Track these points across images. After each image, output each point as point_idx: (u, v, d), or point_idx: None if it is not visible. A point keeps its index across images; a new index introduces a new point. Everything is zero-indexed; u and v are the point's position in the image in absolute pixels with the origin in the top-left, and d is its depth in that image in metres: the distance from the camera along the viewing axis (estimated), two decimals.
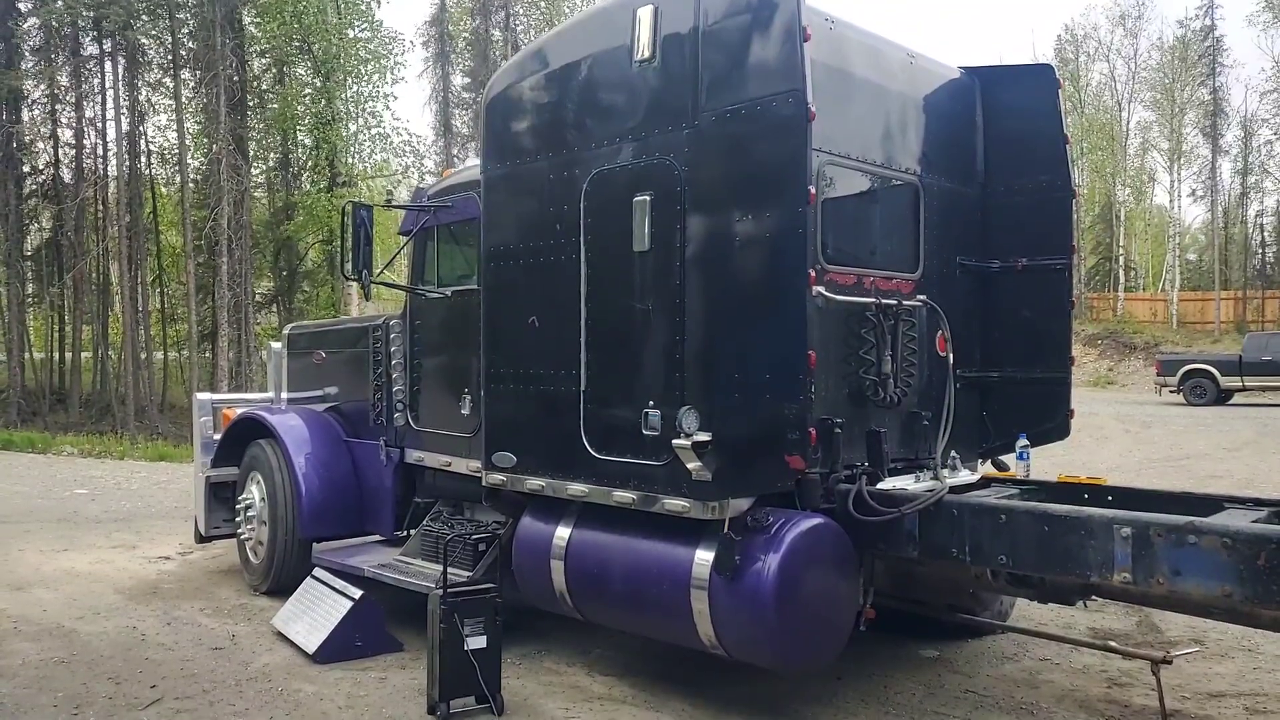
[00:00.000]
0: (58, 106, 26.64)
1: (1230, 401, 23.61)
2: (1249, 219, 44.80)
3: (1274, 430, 16.95)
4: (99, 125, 26.71)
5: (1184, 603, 4.15)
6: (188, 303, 25.84)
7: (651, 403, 4.53)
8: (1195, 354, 27.34)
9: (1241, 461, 13.81)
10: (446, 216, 6.11)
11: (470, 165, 6.32)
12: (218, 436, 7.51)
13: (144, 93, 26.58)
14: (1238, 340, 29.05)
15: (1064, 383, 5.29)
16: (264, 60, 27.50)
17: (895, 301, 4.82)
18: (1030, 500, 4.53)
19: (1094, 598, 4.68)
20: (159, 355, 29.14)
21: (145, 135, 26.85)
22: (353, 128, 26.89)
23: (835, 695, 4.82)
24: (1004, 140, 5.43)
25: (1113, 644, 5.09)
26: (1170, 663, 4.60)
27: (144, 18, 25.00)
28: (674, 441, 4.27)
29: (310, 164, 27.72)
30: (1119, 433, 17.56)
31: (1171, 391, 24.37)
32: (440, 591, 4.54)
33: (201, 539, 7.66)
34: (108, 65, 25.90)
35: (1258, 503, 4.38)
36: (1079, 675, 5.19)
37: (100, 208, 26.88)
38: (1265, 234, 45.06)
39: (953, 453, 5.03)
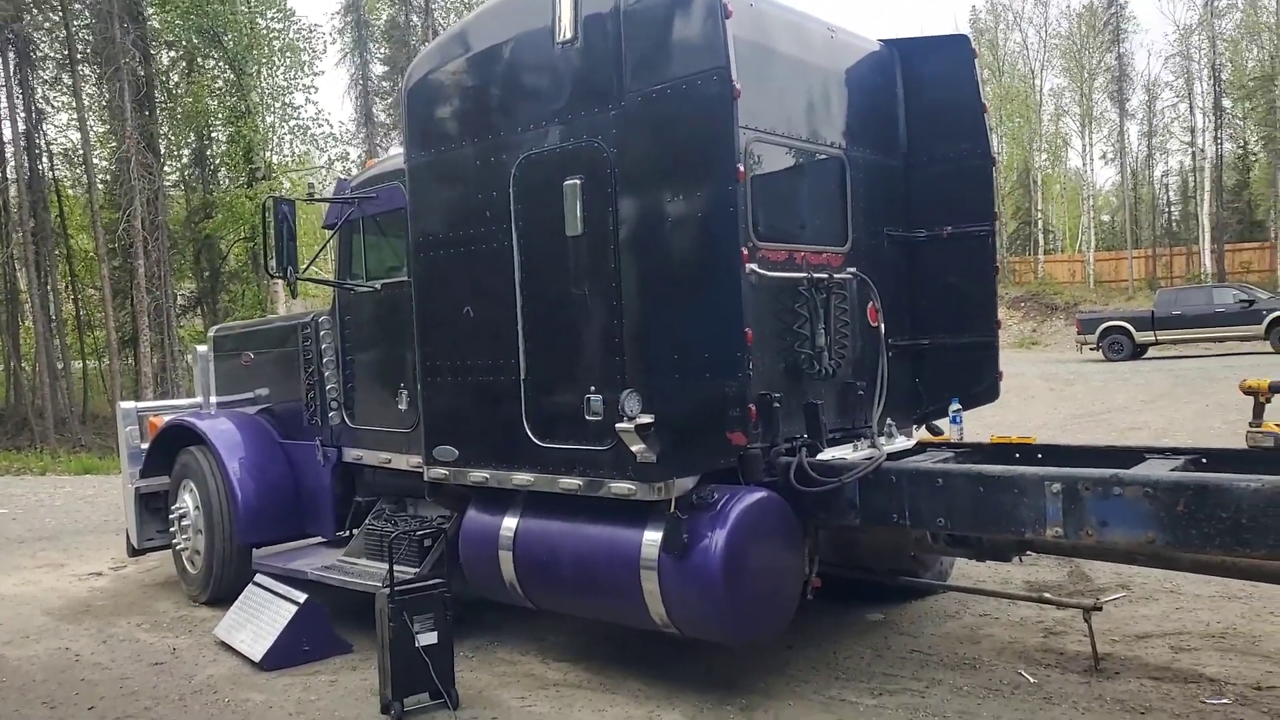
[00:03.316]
0: None
1: (1145, 355, 24.58)
2: (1155, 179, 46.74)
3: (1186, 381, 17.72)
4: None
5: (1111, 551, 4.34)
6: (104, 308, 24.82)
7: (593, 388, 4.52)
8: (1112, 311, 28.31)
9: (1158, 412, 14.43)
10: (371, 208, 5.98)
11: (393, 154, 6.18)
12: (145, 446, 7.26)
13: (40, 90, 25.31)
14: (1150, 296, 30.24)
15: (992, 346, 5.42)
16: (172, 53, 26.42)
17: (826, 275, 4.88)
18: (965, 463, 4.66)
19: (1029, 553, 4.85)
20: (77, 364, 27.99)
21: (44, 135, 25.62)
22: (270, 119, 26.10)
23: (787, 665, 4.91)
24: (924, 111, 5.51)
25: (1047, 595, 5.30)
26: (1100, 609, 4.82)
27: (35, 11, 23.75)
28: (617, 425, 4.28)
29: (227, 160, 26.80)
30: (1044, 391, 18.17)
31: (1091, 349, 25.18)
32: (388, 590, 4.48)
33: (135, 552, 7.42)
34: None
35: (1175, 451, 4.57)
36: (1017, 628, 5.39)
37: (3, 212, 25.60)
38: (1170, 193, 47.05)
39: (888, 420, 5.13)
